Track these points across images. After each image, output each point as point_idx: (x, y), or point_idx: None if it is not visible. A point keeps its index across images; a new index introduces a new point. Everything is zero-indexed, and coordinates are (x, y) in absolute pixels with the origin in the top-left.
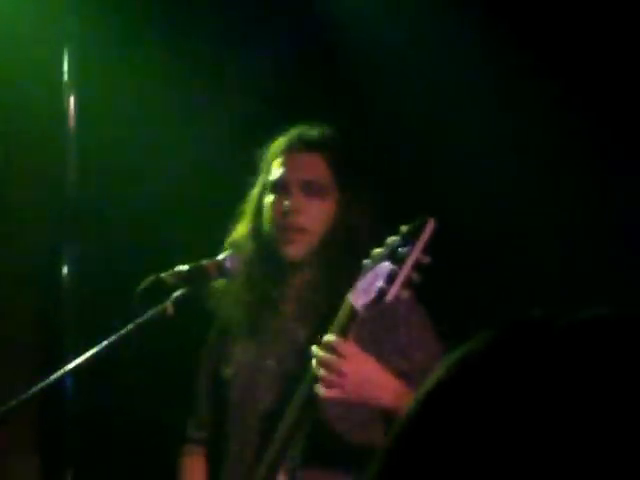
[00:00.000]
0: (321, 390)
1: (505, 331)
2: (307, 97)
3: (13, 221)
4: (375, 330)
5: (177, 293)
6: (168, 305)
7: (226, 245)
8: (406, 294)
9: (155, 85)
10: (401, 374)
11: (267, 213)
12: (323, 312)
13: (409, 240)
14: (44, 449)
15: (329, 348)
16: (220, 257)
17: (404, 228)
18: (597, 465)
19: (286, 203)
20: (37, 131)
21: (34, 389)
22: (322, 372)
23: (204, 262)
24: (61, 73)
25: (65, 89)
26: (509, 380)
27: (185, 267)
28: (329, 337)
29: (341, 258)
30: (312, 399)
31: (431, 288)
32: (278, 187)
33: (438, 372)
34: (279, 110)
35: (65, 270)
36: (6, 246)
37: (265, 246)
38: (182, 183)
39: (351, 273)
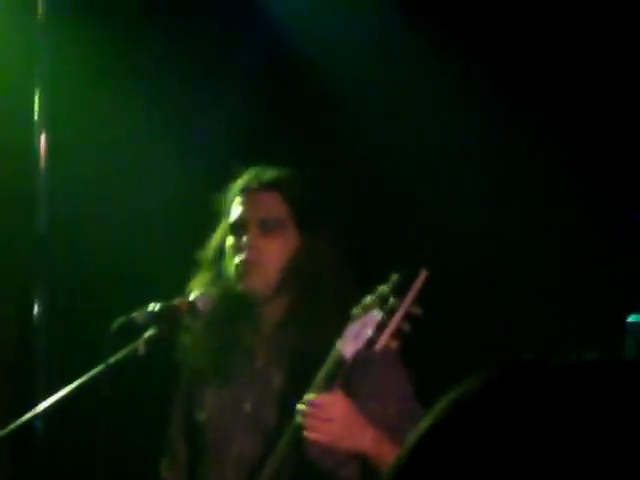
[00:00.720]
0: (307, 434)
1: (497, 374)
2: (277, 131)
3: None
4: (353, 373)
5: (148, 333)
6: (140, 345)
7: (189, 290)
8: (395, 344)
9: (124, 123)
10: (374, 421)
11: (228, 254)
12: (296, 355)
13: (400, 290)
14: None
15: (314, 404)
16: (191, 297)
17: (394, 277)
18: None
19: (244, 240)
20: (8, 169)
21: (4, 431)
22: (308, 420)
23: (175, 301)
24: (32, 112)
25: (36, 128)
26: (505, 421)
27: (157, 306)
28: (312, 395)
29: (305, 295)
30: (297, 443)
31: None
32: (237, 227)
33: (432, 414)
34: (249, 145)
35: (36, 309)
36: None
37: (228, 287)
38: (151, 220)
39: (320, 312)
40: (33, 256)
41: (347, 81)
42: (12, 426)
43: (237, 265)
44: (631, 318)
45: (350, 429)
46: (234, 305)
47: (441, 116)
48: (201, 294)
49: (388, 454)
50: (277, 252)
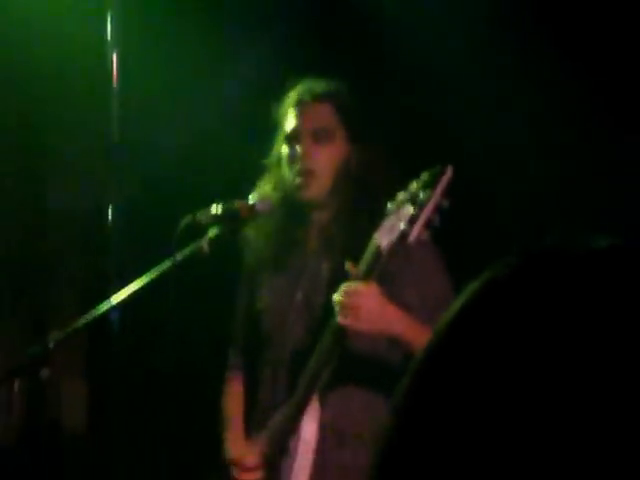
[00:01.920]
0: (339, 318)
1: (526, 258)
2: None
3: (67, 170)
4: (392, 264)
5: (211, 232)
6: (203, 244)
7: (253, 195)
8: (426, 235)
9: (187, 46)
10: (411, 307)
11: (284, 163)
12: (343, 247)
13: (429, 185)
14: (91, 376)
15: (347, 293)
16: (251, 200)
17: (424, 175)
18: (614, 387)
19: (297, 149)
20: (83, 88)
21: (83, 320)
22: (340, 307)
23: (237, 204)
24: (105, 32)
25: (108, 48)
26: (533, 304)
27: (219, 208)
28: (347, 284)
29: (355, 197)
30: (337, 328)
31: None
32: (291, 138)
33: (464, 295)
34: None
35: (110, 212)
36: (60, 191)
37: (286, 193)
38: (213, 133)
39: (368, 211)
40: (107, 163)
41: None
42: (89, 316)
43: (294, 175)
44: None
45: (380, 315)
46: (291, 209)
47: (474, 47)
48: (261, 198)
49: (423, 337)
50: (329, 160)
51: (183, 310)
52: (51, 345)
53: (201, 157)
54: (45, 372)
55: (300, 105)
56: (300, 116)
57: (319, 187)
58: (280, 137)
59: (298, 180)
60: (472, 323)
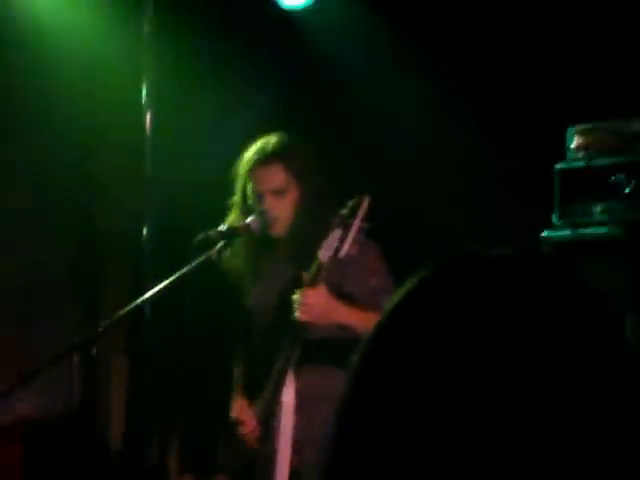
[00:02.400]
0: (297, 314)
1: (448, 262)
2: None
3: (110, 193)
4: (343, 266)
5: (219, 245)
6: (213, 253)
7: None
8: (354, 250)
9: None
10: (357, 297)
11: (255, 209)
12: (300, 260)
13: (353, 212)
14: (134, 353)
15: (302, 294)
16: (248, 221)
17: (349, 203)
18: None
19: (263, 204)
20: (120, 141)
21: (124, 310)
22: (297, 302)
23: (237, 223)
24: (140, 96)
25: (144, 108)
26: (454, 297)
27: (225, 227)
28: (304, 288)
29: (309, 224)
30: (299, 322)
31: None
32: (257, 195)
33: (401, 291)
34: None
35: (145, 230)
36: (108, 217)
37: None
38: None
39: (319, 231)
40: (144, 194)
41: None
42: (129, 307)
43: (262, 219)
44: (545, 233)
45: (326, 309)
46: (265, 237)
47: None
48: (254, 218)
49: (366, 322)
50: (287, 207)
51: (198, 303)
52: (100, 329)
53: (213, 187)
54: (95, 350)
55: (255, 170)
56: (258, 180)
57: (283, 227)
58: (239, 187)
59: (265, 223)
60: (406, 312)
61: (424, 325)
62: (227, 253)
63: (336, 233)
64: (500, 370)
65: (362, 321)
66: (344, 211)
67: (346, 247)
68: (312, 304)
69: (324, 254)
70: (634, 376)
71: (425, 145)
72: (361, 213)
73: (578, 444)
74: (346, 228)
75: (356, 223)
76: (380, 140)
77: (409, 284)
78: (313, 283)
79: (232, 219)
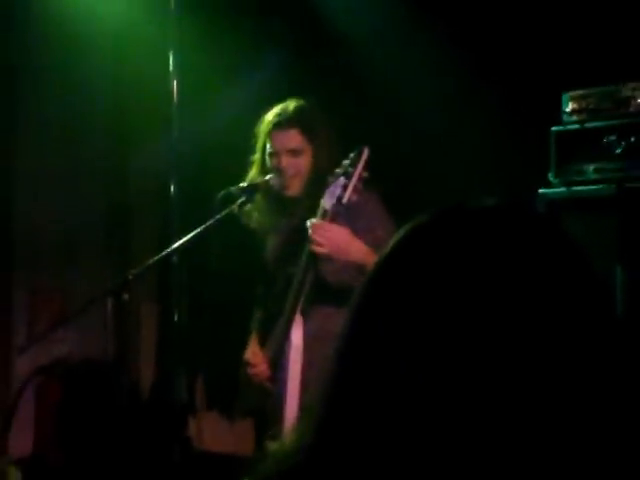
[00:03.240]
0: (313, 248)
1: (440, 212)
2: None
3: (140, 152)
4: (351, 218)
5: (240, 200)
6: (235, 207)
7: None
8: (355, 197)
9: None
10: (368, 245)
11: (271, 169)
12: (311, 210)
13: (354, 163)
14: (162, 300)
15: (315, 227)
16: (267, 178)
17: (351, 154)
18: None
19: (280, 163)
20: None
21: (154, 259)
22: (313, 237)
23: (258, 180)
24: (168, 65)
25: (171, 76)
26: (445, 242)
27: (245, 184)
28: (313, 220)
29: (321, 184)
30: (312, 259)
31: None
32: (273, 154)
33: (397, 235)
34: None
35: (172, 187)
36: (133, 167)
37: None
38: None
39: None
40: (169, 159)
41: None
42: (158, 256)
43: (279, 179)
44: (541, 190)
45: (339, 244)
46: (283, 194)
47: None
48: (274, 175)
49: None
50: (302, 167)
51: (222, 253)
52: (131, 277)
53: (233, 147)
54: (126, 296)
55: (274, 131)
56: (276, 140)
57: (297, 185)
58: (259, 146)
59: (282, 182)
60: (400, 257)
61: (416, 269)
62: (248, 207)
63: (339, 182)
64: (484, 315)
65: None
66: (346, 161)
67: (348, 195)
68: (329, 237)
69: (328, 202)
70: (609, 325)
71: (427, 105)
72: (361, 162)
73: (560, 391)
74: (347, 177)
75: (357, 172)
76: (383, 96)
77: (402, 231)
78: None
79: (252, 176)
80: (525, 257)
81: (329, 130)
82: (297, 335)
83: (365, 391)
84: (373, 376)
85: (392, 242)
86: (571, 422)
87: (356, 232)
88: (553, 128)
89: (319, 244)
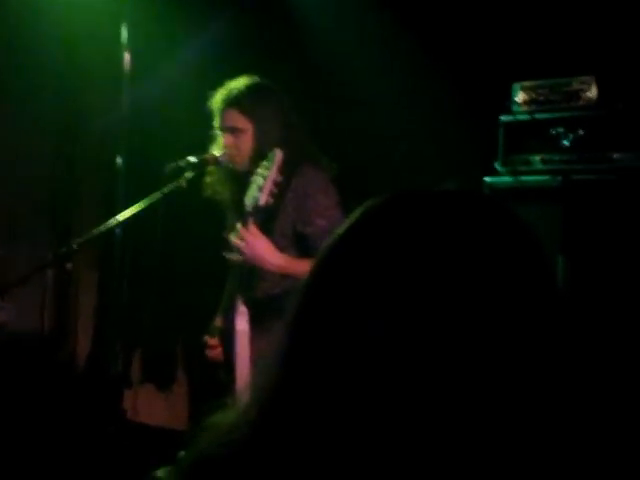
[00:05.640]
0: (233, 255)
1: (394, 195)
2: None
3: (87, 124)
4: (288, 204)
5: (188, 174)
6: (182, 181)
7: (217, 150)
8: (271, 200)
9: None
10: (305, 236)
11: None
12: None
13: (269, 165)
14: (104, 271)
15: (241, 232)
16: (216, 153)
17: (269, 155)
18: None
19: (225, 142)
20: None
21: (98, 230)
22: (235, 244)
23: (206, 155)
24: (119, 37)
25: (123, 47)
26: (397, 225)
27: (194, 158)
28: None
29: (262, 158)
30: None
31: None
32: (220, 132)
33: (350, 218)
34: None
35: (119, 160)
36: (79, 139)
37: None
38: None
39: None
40: (117, 130)
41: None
42: (102, 228)
43: (226, 155)
44: (488, 179)
45: (256, 252)
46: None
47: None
48: (221, 153)
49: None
50: (245, 144)
51: (166, 227)
52: (75, 246)
53: (185, 123)
54: (70, 265)
55: (220, 109)
56: (221, 118)
57: (241, 162)
58: (214, 122)
59: (228, 158)
60: (352, 237)
61: (369, 251)
62: (208, 180)
63: (257, 182)
64: (434, 293)
65: (298, 268)
66: (264, 162)
67: (264, 197)
68: (248, 245)
69: (248, 203)
70: (553, 300)
71: (378, 92)
72: (275, 166)
73: (506, 362)
74: (265, 179)
75: (271, 175)
76: (337, 84)
77: (355, 213)
78: (244, 227)
79: (210, 151)
80: (477, 238)
81: (273, 109)
82: (242, 322)
83: (312, 370)
84: (321, 356)
85: (346, 223)
86: (516, 393)
87: (300, 222)
88: (502, 117)
89: (240, 251)
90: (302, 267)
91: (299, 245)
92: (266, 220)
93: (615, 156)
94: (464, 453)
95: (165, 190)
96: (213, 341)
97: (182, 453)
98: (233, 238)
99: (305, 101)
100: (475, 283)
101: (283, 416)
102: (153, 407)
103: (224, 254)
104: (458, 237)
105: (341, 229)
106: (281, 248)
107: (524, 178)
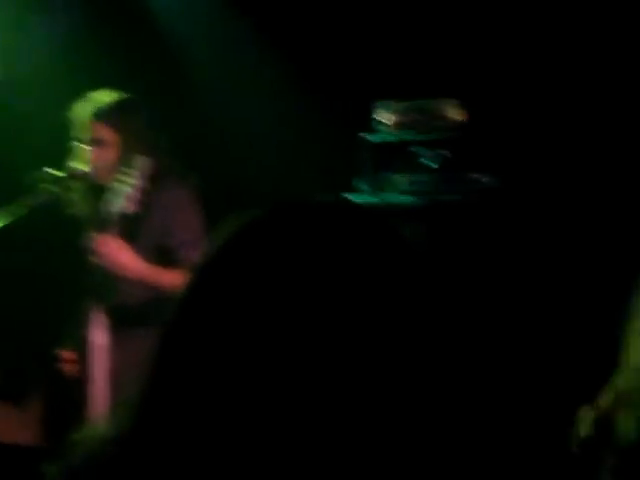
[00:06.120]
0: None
1: (276, 206)
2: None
3: None
4: (154, 215)
5: (53, 187)
6: (46, 194)
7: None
8: (138, 208)
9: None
10: (168, 249)
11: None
12: None
13: (134, 173)
14: None
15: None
16: (84, 168)
17: (135, 164)
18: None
19: (90, 151)
20: None
21: None
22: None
23: (75, 170)
24: None
25: None
26: (279, 236)
27: (55, 171)
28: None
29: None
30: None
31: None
32: (84, 144)
33: (226, 230)
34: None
35: None
36: None
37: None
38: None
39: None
40: None
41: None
42: None
43: (92, 168)
44: (365, 136)
45: (112, 257)
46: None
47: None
48: (80, 167)
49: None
50: (109, 156)
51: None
52: None
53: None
54: None
55: (84, 122)
56: (85, 131)
57: (105, 176)
58: (74, 134)
59: (92, 170)
60: (232, 248)
61: (254, 261)
62: (74, 197)
63: (123, 190)
64: (311, 301)
65: (160, 278)
66: (131, 170)
67: (130, 205)
68: (107, 251)
69: (113, 211)
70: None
71: (243, 106)
72: (140, 174)
73: (374, 368)
74: (131, 187)
75: (136, 183)
76: (199, 100)
77: (236, 224)
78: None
79: (73, 164)
80: (362, 249)
81: (140, 123)
82: (100, 332)
83: (184, 385)
84: (195, 370)
85: (225, 234)
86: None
87: (164, 234)
88: (367, 136)
89: (99, 256)
90: (165, 278)
91: (162, 257)
92: (130, 229)
93: (476, 177)
94: (338, 445)
95: (29, 202)
96: (68, 354)
97: (49, 467)
98: (95, 246)
99: (165, 116)
100: (369, 298)
101: (155, 428)
102: (5, 423)
103: (85, 262)
104: (342, 249)
105: (223, 240)
106: (143, 258)
107: (387, 197)
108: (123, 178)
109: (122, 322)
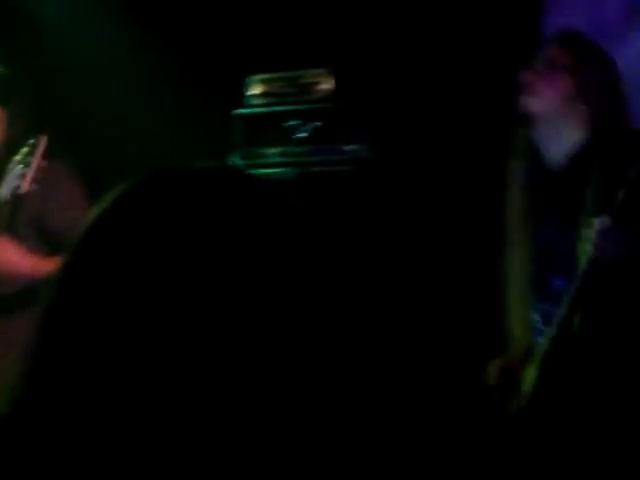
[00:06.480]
0: None
1: (152, 173)
2: None
3: None
4: (36, 199)
5: None
6: None
7: None
8: (35, 187)
9: None
10: (58, 232)
11: None
12: None
13: (32, 151)
14: None
15: None
16: None
17: (30, 142)
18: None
19: None
20: None
21: None
22: None
23: None
24: None
25: None
26: (157, 203)
27: None
28: None
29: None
30: None
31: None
32: None
33: (106, 200)
34: None
35: None
36: None
37: None
38: None
39: None
40: None
41: None
42: None
43: None
44: (237, 111)
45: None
46: None
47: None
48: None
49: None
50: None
51: None
52: None
53: None
54: None
55: None
56: None
57: None
58: None
59: None
60: (109, 221)
61: (127, 230)
62: None
63: (17, 171)
64: (190, 264)
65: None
66: (24, 149)
67: (26, 185)
68: None
69: (4, 192)
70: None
71: (112, 86)
72: (39, 152)
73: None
74: (26, 166)
75: (35, 162)
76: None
77: (114, 192)
78: None
79: None
80: (245, 214)
81: (26, 98)
82: None
83: (63, 363)
84: (74, 348)
85: (108, 200)
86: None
87: (48, 216)
88: (238, 111)
89: None
90: (52, 267)
91: (42, 238)
92: (16, 209)
93: (347, 148)
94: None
95: None
96: None
97: None
98: None
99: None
100: (238, 255)
101: (36, 410)
102: None
103: None
104: (222, 210)
105: (102, 208)
106: (23, 237)
107: (261, 171)
108: (17, 158)
109: (1, 310)
